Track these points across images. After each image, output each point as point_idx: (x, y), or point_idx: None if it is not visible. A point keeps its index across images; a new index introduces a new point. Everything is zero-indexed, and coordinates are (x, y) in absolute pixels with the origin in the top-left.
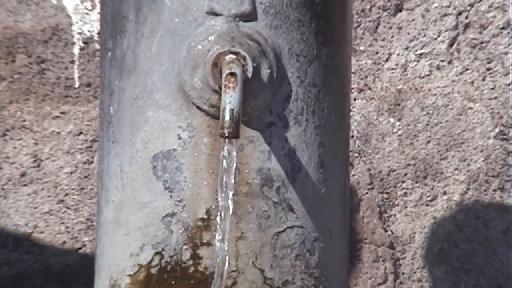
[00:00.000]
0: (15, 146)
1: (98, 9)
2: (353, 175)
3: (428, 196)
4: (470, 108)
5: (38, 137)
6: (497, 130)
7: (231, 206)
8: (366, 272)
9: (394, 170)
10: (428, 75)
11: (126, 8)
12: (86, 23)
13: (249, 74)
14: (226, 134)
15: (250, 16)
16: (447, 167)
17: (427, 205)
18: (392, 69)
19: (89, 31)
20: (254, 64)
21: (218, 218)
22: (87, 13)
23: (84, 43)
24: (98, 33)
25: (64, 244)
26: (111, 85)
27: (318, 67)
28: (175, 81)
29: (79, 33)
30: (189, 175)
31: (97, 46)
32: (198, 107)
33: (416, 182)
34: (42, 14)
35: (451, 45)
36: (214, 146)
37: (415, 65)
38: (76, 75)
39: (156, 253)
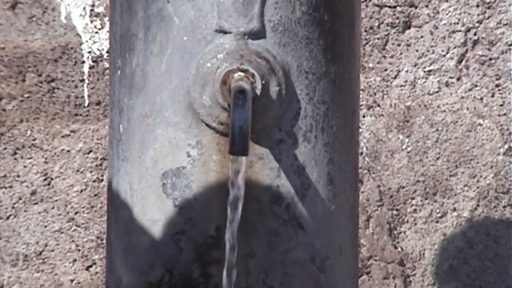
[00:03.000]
0: (26, 165)
1: (107, 27)
2: (362, 192)
3: (438, 213)
4: (479, 124)
5: (48, 155)
6: (506, 146)
7: (240, 224)
8: None
9: (403, 187)
10: (437, 92)
11: (135, 27)
12: (96, 42)
13: (258, 92)
14: (235, 152)
15: (258, 34)
16: (457, 183)
17: (437, 222)
18: (401, 86)
19: (99, 49)
20: (263, 82)
21: (227, 236)
22: (97, 32)
23: (94, 61)
24: (108, 52)
25: (74, 262)
26: (120, 103)
27: (327, 84)
28: (184, 99)
29: (89, 52)
30: (198, 192)
31: (107, 65)
32: (207, 125)
33: (426, 199)
34: (52, 33)
35: (459, 61)
36: (223, 163)
37: (424, 82)
38: (86, 94)
39: (166, 271)
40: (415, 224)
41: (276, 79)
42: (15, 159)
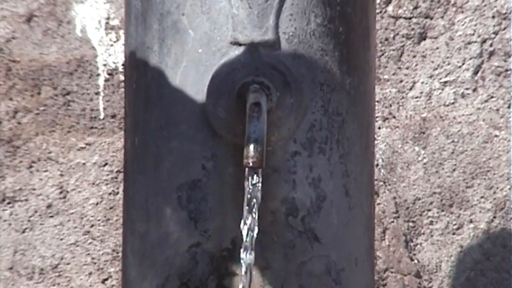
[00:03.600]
0: (41, 178)
1: (122, 40)
2: (378, 204)
3: (454, 225)
4: (496, 136)
5: (64, 168)
6: None
7: (255, 236)
8: None
9: (419, 199)
10: (453, 103)
11: (150, 39)
12: (111, 54)
13: (273, 104)
14: (251, 164)
15: (273, 46)
16: (473, 195)
17: (454, 234)
18: (417, 97)
19: (114, 62)
20: (278, 94)
21: (243, 248)
22: (112, 45)
23: (109, 74)
24: (123, 65)
25: (90, 275)
26: (135, 116)
27: (342, 96)
28: (199, 111)
29: (104, 65)
30: (214, 205)
31: (122, 78)
32: (222, 137)
33: (442, 211)
34: (67, 46)
35: (475, 73)
36: (238, 176)
37: (440, 93)
38: (101, 107)
39: (182, 284)
40: (432, 236)
41: (291, 91)
42: (30, 172)
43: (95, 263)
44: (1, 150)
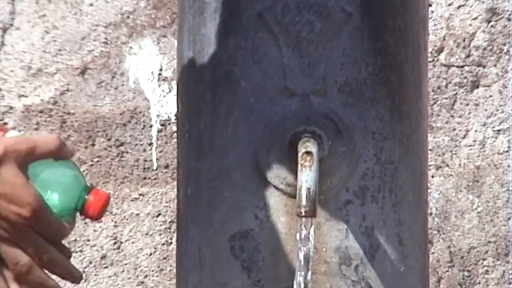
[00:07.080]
0: (96, 229)
1: (175, 91)
2: (432, 253)
3: (511, 274)
4: None
5: (118, 219)
6: None
7: (309, 286)
8: None
9: (474, 248)
10: (507, 151)
11: (202, 90)
12: (164, 105)
13: (325, 153)
14: (303, 213)
15: (325, 95)
16: None
17: (510, 283)
18: (470, 145)
19: (166, 113)
20: (330, 143)
21: None
22: (164, 96)
23: (162, 125)
24: (175, 115)
25: None
26: (188, 166)
27: (394, 144)
28: (251, 160)
29: (157, 116)
30: (267, 254)
31: (175, 128)
32: (274, 186)
33: (498, 260)
34: (120, 98)
35: None
36: (291, 225)
37: (494, 141)
38: (154, 157)
39: None
40: (487, 285)
41: (343, 140)
42: (85, 223)
43: None
44: None
